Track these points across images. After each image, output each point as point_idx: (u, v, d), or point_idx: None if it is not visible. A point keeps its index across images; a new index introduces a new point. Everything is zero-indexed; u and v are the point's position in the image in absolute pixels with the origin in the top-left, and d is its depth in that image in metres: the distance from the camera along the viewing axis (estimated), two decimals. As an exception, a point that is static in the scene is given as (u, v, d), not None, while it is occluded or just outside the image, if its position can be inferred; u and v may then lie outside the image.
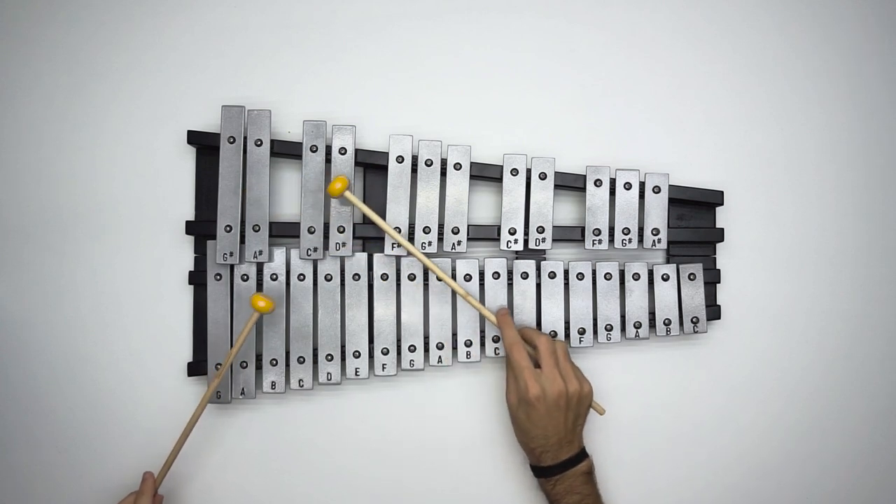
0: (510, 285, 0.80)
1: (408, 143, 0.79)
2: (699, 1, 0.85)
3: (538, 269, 0.80)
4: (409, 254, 0.77)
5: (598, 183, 0.80)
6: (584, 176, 0.80)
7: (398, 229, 0.78)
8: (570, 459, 0.73)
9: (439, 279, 0.78)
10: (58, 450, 0.81)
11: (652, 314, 0.80)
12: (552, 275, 0.80)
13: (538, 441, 0.72)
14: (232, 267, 0.79)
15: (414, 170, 0.80)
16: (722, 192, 0.82)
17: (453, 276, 0.79)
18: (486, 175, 0.80)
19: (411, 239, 0.79)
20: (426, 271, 0.79)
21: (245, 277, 0.79)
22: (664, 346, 0.83)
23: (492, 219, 0.83)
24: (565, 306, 0.80)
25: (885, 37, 0.86)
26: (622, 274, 0.80)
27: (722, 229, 0.82)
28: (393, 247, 0.79)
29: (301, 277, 0.79)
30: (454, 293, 0.79)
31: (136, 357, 0.81)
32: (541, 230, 0.80)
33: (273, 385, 0.79)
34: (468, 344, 0.79)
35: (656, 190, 0.80)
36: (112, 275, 0.82)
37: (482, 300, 0.79)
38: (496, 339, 0.79)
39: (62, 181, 0.82)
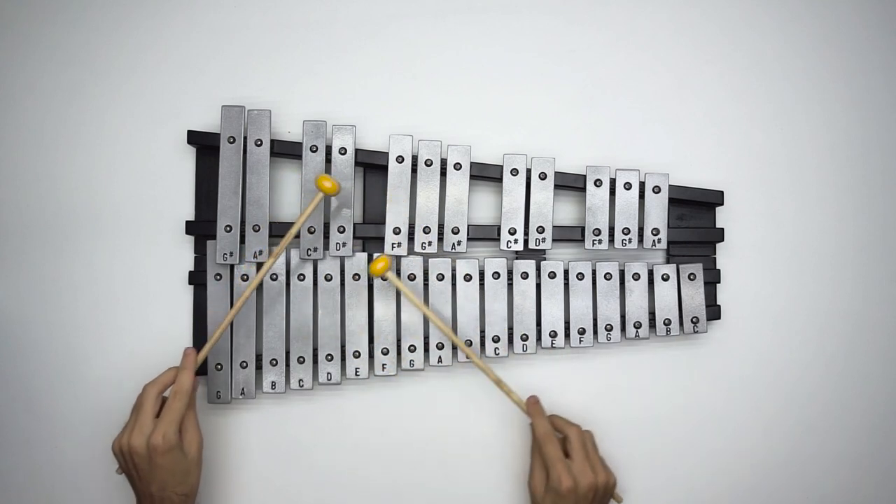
0: (510, 285, 0.80)
1: (408, 143, 0.79)
2: (699, 1, 0.85)
3: (538, 269, 0.80)
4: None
5: (598, 183, 0.80)
6: (584, 176, 0.80)
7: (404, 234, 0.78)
8: None
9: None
10: (56, 450, 0.81)
11: (652, 314, 0.80)
12: (552, 275, 0.80)
13: None
14: (232, 267, 0.79)
15: (414, 170, 0.80)
16: (722, 192, 0.82)
17: (453, 277, 0.79)
18: (486, 175, 0.80)
19: (411, 239, 0.79)
20: (426, 271, 0.79)
21: (245, 277, 0.79)
22: (664, 346, 0.83)
23: (492, 219, 0.83)
24: (565, 306, 0.80)
25: (885, 37, 0.86)
26: (622, 274, 0.80)
27: (722, 229, 0.82)
28: (393, 247, 0.79)
29: (301, 277, 0.79)
30: (454, 294, 0.79)
31: (135, 357, 0.81)
32: (541, 230, 0.80)
33: (273, 385, 0.79)
34: (468, 344, 0.79)
35: (656, 190, 0.80)
36: (112, 275, 0.82)
37: (482, 300, 0.79)
38: (496, 339, 0.79)
39: (62, 181, 0.82)
